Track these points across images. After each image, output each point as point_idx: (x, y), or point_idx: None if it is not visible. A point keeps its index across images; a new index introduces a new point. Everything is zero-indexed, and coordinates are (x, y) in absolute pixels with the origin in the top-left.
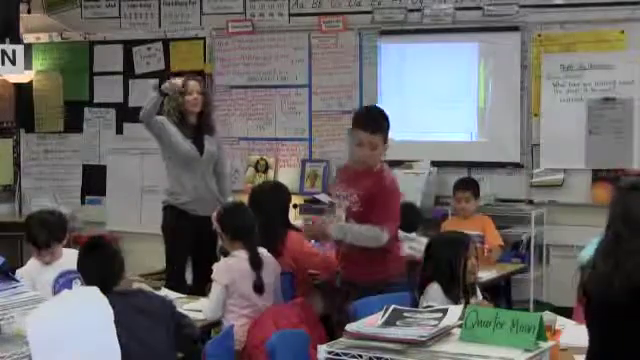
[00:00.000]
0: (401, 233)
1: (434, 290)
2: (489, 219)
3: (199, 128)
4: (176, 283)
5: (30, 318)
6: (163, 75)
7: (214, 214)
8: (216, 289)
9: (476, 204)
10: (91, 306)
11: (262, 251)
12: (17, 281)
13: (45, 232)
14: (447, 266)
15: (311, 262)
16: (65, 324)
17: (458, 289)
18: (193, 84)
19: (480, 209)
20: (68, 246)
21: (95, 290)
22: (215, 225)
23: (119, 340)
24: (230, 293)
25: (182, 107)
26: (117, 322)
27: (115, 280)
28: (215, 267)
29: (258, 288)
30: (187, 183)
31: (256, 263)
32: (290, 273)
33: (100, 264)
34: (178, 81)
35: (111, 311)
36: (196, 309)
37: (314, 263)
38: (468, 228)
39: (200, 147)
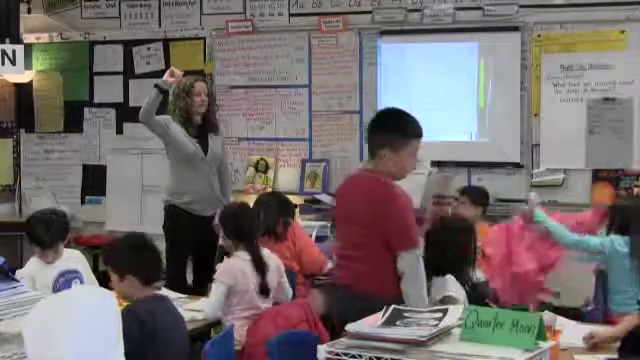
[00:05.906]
0: None
1: (451, 281)
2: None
3: (204, 127)
4: (176, 283)
5: (29, 316)
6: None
7: (216, 216)
8: (218, 288)
9: (474, 210)
10: (92, 304)
11: (266, 252)
12: (17, 281)
13: (50, 232)
14: (460, 254)
15: (308, 251)
16: (63, 321)
17: (468, 276)
18: (201, 86)
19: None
20: (68, 246)
21: (97, 289)
22: (218, 227)
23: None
24: (232, 294)
25: (190, 108)
26: (155, 322)
27: (158, 276)
28: (218, 267)
29: (264, 290)
30: (191, 183)
31: (259, 266)
32: (290, 272)
33: (151, 261)
34: (178, 73)
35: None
36: (196, 309)
37: (310, 253)
38: None
39: (205, 147)
